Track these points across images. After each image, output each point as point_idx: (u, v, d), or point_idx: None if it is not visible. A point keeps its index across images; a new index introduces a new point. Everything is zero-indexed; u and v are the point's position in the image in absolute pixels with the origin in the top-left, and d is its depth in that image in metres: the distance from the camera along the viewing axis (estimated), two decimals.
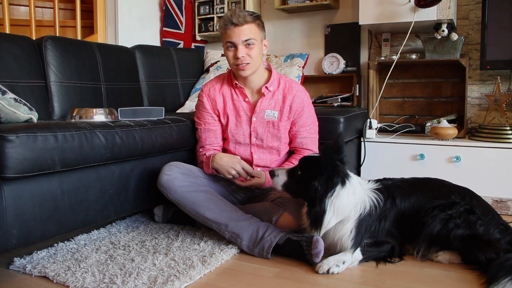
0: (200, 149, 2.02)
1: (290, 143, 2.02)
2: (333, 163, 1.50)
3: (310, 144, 2.00)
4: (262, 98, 1.93)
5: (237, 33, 1.79)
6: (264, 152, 1.97)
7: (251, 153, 1.97)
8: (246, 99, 1.95)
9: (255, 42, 1.82)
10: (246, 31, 1.79)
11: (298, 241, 1.58)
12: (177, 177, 1.80)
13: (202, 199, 1.77)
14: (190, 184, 1.80)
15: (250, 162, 1.98)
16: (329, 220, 1.50)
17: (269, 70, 1.98)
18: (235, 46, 1.81)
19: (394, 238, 1.59)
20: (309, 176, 1.51)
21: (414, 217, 1.57)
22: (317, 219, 1.50)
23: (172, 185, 1.78)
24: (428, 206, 1.56)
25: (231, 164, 1.86)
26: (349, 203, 1.51)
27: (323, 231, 1.52)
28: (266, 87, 1.92)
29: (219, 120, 1.99)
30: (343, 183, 1.50)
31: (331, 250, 1.58)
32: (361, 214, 1.52)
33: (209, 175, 1.96)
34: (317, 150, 2.01)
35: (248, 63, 1.83)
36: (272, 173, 1.64)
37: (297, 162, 1.90)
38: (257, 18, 1.84)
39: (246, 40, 1.80)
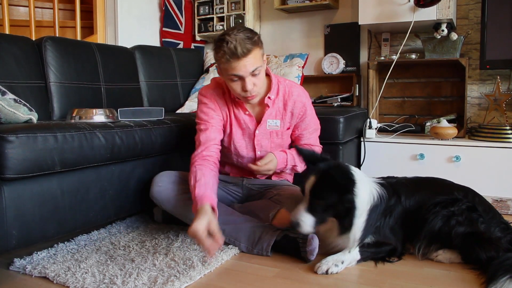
0: (205, 149, 1.77)
1: (292, 142, 2.01)
2: (341, 175, 1.49)
3: (313, 142, 1.96)
4: (267, 109, 1.83)
5: (243, 65, 1.61)
6: None
7: None
8: (247, 112, 1.85)
9: (260, 69, 1.68)
10: (251, 61, 1.62)
11: (295, 238, 1.59)
12: (168, 187, 1.79)
13: None
14: (182, 193, 1.79)
15: (253, 174, 1.96)
16: (358, 219, 1.49)
17: (268, 75, 1.86)
18: (241, 78, 1.65)
19: (397, 236, 1.59)
20: (337, 197, 1.47)
21: (416, 214, 1.57)
22: (349, 225, 1.49)
23: (165, 196, 1.78)
24: (430, 202, 1.57)
25: (193, 232, 1.47)
26: (365, 196, 1.51)
27: (353, 232, 1.50)
28: (269, 97, 1.82)
29: (224, 127, 1.88)
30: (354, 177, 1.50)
31: (333, 245, 1.58)
32: (371, 205, 1.52)
33: None
34: (319, 144, 1.99)
35: (257, 93, 1.72)
36: (296, 224, 1.48)
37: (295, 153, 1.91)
38: (257, 39, 1.67)
39: (253, 71, 1.64)
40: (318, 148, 1.98)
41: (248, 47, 1.60)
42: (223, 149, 1.89)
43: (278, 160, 1.83)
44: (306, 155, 1.64)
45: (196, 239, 1.47)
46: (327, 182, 1.47)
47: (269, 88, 1.82)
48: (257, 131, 1.85)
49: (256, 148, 1.88)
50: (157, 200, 1.80)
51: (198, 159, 1.73)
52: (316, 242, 1.55)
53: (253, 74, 1.65)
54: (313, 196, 1.48)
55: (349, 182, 1.46)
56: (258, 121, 1.86)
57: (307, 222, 1.47)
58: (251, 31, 1.67)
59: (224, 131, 1.87)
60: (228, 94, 1.85)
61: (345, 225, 1.48)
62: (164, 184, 1.80)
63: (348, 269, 1.52)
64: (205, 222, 1.47)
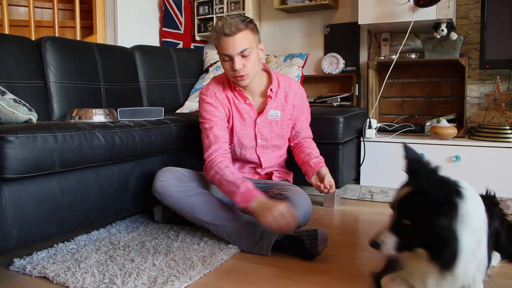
0: (218, 150, 1.79)
1: (292, 138, 2.03)
2: (439, 184, 1.14)
3: (310, 134, 2.05)
4: (269, 101, 1.89)
5: (231, 45, 1.69)
6: (268, 152, 1.97)
7: (258, 156, 1.95)
8: (247, 102, 1.90)
9: (251, 50, 1.73)
10: (240, 41, 1.70)
11: (299, 236, 1.60)
12: (171, 183, 1.79)
13: (198, 203, 1.77)
14: (184, 189, 1.80)
15: (258, 165, 1.98)
16: (467, 246, 1.10)
17: (267, 71, 1.95)
18: (231, 58, 1.73)
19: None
20: (426, 219, 1.11)
21: None
22: (452, 256, 1.10)
23: (166, 191, 1.78)
24: None
25: (266, 210, 1.55)
26: (479, 213, 1.16)
27: (461, 264, 1.10)
28: (271, 90, 1.89)
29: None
30: (461, 195, 1.12)
31: None
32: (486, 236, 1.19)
33: (204, 177, 1.91)
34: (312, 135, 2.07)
35: (246, 74, 1.77)
36: (376, 244, 1.20)
37: (318, 154, 1.95)
38: (250, 23, 1.75)
39: (242, 51, 1.71)
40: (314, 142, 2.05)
41: (237, 27, 1.69)
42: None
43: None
44: (411, 158, 1.30)
45: (286, 216, 1.52)
46: (418, 198, 1.13)
47: (269, 82, 1.91)
48: (258, 120, 1.91)
49: (257, 136, 1.93)
50: (159, 194, 1.80)
51: (217, 156, 1.77)
52: (326, 235, 1.60)
53: (242, 55, 1.72)
54: (400, 213, 1.18)
55: (448, 204, 1.09)
56: (260, 111, 1.92)
57: (388, 243, 1.18)
58: (245, 16, 1.78)
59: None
60: (228, 87, 1.91)
61: (442, 261, 1.11)
62: (167, 179, 1.80)
63: (347, 270, 1.52)
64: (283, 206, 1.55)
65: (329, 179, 1.84)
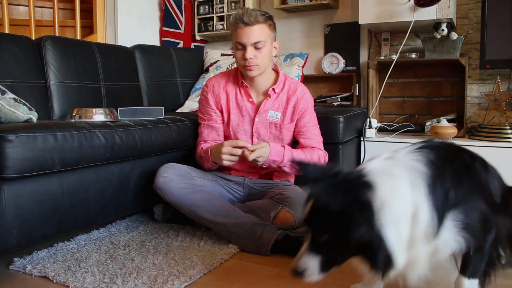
0: (202, 142, 2.00)
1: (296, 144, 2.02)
2: (341, 189, 0.98)
3: (316, 145, 1.97)
4: (267, 99, 1.92)
5: (247, 34, 1.77)
6: None
7: None
8: (250, 99, 1.93)
9: (264, 44, 1.80)
10: (256, 33, 1.77)
11: (297, 237, 1.59)
12: (173, 179, 1.80)
13: (199, 200, 1.78)
14: (186, 186, 1.80)
15: (255, 173, 2.00)
16: (398, 236, 0.95)
17: (276, 71, 1.97)
18: (244, 47, 1.79)
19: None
20: (341, 230, 0.96)
21: None
22: (387, 257, 0.95)
23: (168, 187, 1.79)
24: None
25: (219, 151, 1.82)
26: (401, 185, 0.99)
27: (400, 254, 0.96)
28: (273, 89, 1.91)
29: (222, 116, 1.98)
30: (368, 186, 0.97)
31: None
32: (427, 181, 1.00)
33: (206, 174, 1.95)
34: (323, 149, 2.00)
35: (256, 65, 1.81)
36: (298, 273, 1.03)
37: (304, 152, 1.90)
38: (269, 19, 1.82)
39: (255, 42, 1.78)
40: (322, 153, 1.98)
41: (256, 18, 1.76)
42: (224, 138, 1.99)
43: (271, 150, 1.83)
44: (306, 168, 1.10)
45: (233, 145, 1.79)
46: (325, 209, 0.97)
47: (275, 82, 1.93)
48: (256, 119, 1.93)
49: (254, 135, 1.95)
50: (160, 190, 1.80)
51: (202, 145, 1.99)
52: None
53: (255, 46, 1.78)
54: (313, 229, 1.02)
55: (356, 205, 0.94)
56: (257, 108, 1.94)
57: (311, 268, 1.01)
58: (266, 12, 1.85)
59: (222, 119, 1.98)
60: (233, 82, 1.96)
61: (380, 266, 0.96)
62: (169, 175, 1.81)
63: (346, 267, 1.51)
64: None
65: (255, 146, 1.81)
